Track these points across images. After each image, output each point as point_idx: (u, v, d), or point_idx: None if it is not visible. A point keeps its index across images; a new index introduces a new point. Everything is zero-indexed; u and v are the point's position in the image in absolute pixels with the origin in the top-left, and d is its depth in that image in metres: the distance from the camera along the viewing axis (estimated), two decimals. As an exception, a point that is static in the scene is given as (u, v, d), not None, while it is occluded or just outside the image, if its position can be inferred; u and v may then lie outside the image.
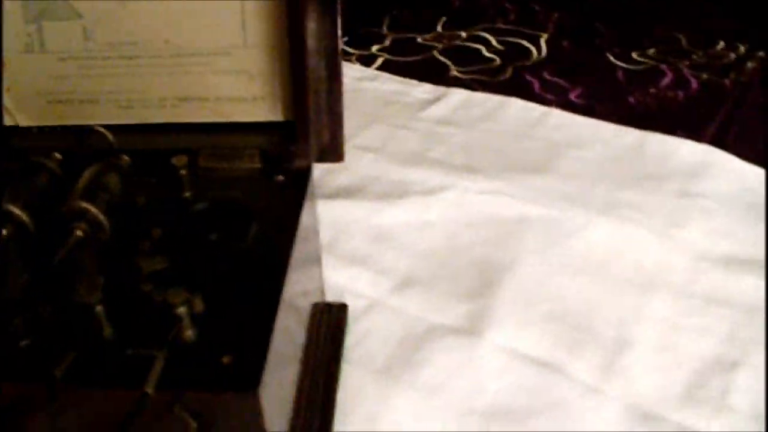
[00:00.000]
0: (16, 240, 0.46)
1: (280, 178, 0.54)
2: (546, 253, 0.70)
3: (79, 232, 0.45)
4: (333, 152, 0.61)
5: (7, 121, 0.60)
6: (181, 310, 0.41)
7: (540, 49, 1.14)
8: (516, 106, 0.95)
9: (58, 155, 0.53)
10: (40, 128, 0.60)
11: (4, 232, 0.46)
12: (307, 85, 0.55)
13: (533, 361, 0.59)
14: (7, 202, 0.46)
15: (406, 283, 0.68)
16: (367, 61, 1.10)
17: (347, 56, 1.11)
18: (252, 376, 0.40)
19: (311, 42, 0.55)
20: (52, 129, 0.60)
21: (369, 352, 0.62)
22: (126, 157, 0.52)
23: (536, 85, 1.03)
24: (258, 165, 0.56)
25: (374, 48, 1.14)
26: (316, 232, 0.60)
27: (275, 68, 0.57)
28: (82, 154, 0.52)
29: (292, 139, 0.56)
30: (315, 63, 0.56)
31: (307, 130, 0.56)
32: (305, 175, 0.56)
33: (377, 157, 0.86)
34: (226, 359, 0.41)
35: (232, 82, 0.58)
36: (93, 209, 0.46)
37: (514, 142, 0.88)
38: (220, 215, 0.50)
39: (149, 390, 0.39)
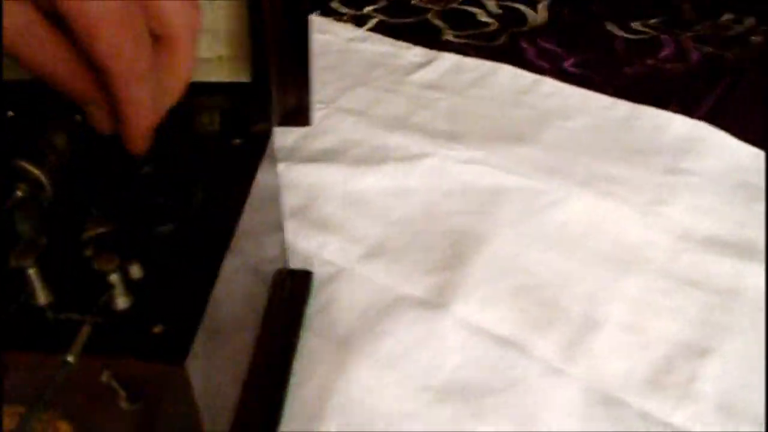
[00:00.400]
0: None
1: (237, 141, 0.53)
2: (522, 225, 0.68)
3: (18, 193, 0.44)
4: (299, 116, 0.59)
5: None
6: (113, 277, 0.40)
7: (538, 15, 1.11)
8: (507, 73, 0.93)
9: (10, 113, 0.51)
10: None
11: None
12: (268, 45, 0.53)
13: (496, 337, 0.58)
14: None
15: (376, 252, 0.67)
16: (359, 21, 1.08)
17: (339, 16, 1.09)
18: (181, 348, 0.38)
19: (275, -1, 0.53)
20: (12, 83, 0.58)
21: (331, 321, 0.60)
22: (78, 117, 0.51)
23: (531, 52, 1.00)
24: (217, 127, 0.54)
25: (368, 8, 1.12)
26: (276, 198, 0.58)
27: (241, 27, 0.54)
28: (36, 112, 0.51)
29: (254, 101, 0.54)
30: (279, 22, 0.54)
31: (267, 92, 0.54)
32: (264, 138, 0.54)
33: (359, 121, 0.84)
34: (157, 329, 0.39)
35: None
36: (34, 169, 0.44)
37: (501, 109, 0.86)
38: (169, 178, 0.48)
39: (70, 358, 0.37)
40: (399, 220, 0.70)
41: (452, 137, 0.80)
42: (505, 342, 0.57)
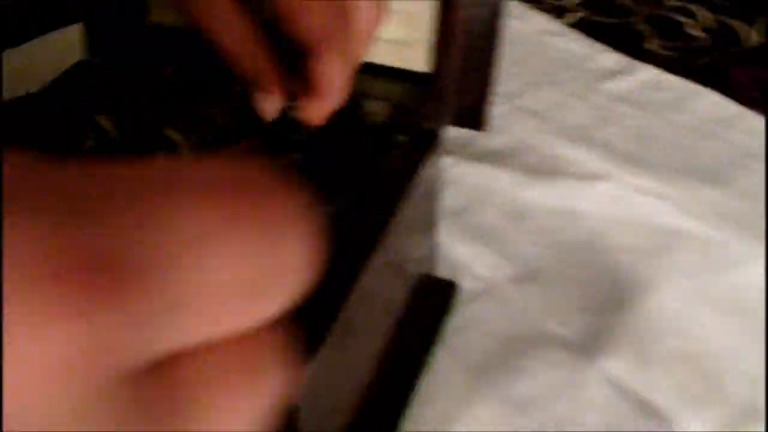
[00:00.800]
0: (101, 151, 0.44)
1: (402, 138, 0.49)
2: (695, 279, 0.62)
3: None
4: (474, 118, 0.55)
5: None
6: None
7: (756, 35, 1.01)
8: (708, 99, 0.85)
9: (170, 69, 0.49)
10: (173, 29, 0.58)
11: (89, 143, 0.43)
12: (455, 35, 0.48)
13: (644, 403, 0.52)
14: (94, 113, 0.44)
15: (530, 275, 0.62)
16: (559, 12, 1.01)
17: (539, 4, 1.03)
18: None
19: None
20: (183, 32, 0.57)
21: (468, 343, 0.56)
22: (239, 89, 0.48)
23: (741, 77, 0.91)
24: (384, 118, 0.50)
25: (572, 0, 1.05)
26: (434, 196, 0.54)
27: (428, 10, 0.50)
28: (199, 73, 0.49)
29: (428, 95, 0.50)
30: (471, 10, 0.49)
31: (443, 88, 0.49)
32: (432, 138, 0.49)
33: (539, 124, 0.79)
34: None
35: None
36: (178, 139, 0.42)
37: (695, 140, 0.78)
38: (320, 169, 0.45)
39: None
40: (561, 244, 0.65)
41: (635, 162, 0.74)
42: (652, 411, 0.52)
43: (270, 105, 0.38)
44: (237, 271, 0.16)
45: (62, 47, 0.76)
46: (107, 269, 0.14)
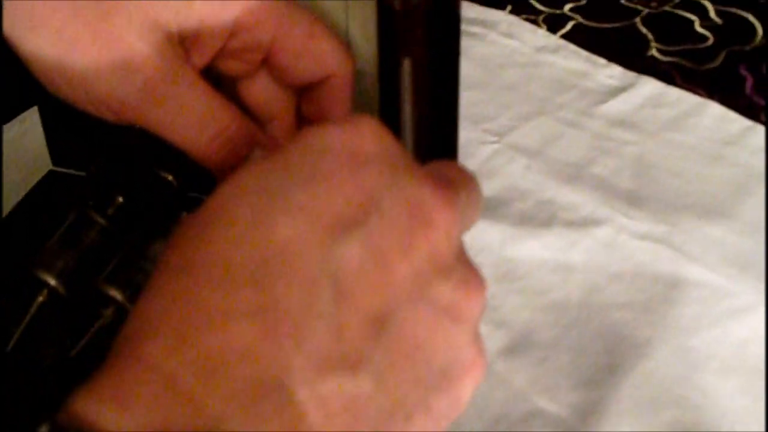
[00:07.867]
0: (50, 309, 0.46)
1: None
2: (695, 336, 0.61)
3: (39, 298, 0.46)
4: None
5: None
6: None
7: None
8: (713, 113, 0.83)
9: (120, 199, 0.50)
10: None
11: (40, 299, 0.45)
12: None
13: (640, 489, 0.52)
14: (40, 267, 0.45)
15: (520, 345, 0.62)
16: (555, 23, 1.00)
17: (534, 16, 1.01)
18: None
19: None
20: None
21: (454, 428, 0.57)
22: (119, 200, 0.50)
23: (749, 82, 0.90)
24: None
25: (567, 7, 1.03)
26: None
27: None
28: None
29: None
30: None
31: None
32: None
33: (531, 164, 0.78)
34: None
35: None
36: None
37: (697, 165, 0.77)
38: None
39: None
40: (553, 304, 0.65)
41: (633, 200, 0.73)
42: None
43: None
44: None
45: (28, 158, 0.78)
46: None
